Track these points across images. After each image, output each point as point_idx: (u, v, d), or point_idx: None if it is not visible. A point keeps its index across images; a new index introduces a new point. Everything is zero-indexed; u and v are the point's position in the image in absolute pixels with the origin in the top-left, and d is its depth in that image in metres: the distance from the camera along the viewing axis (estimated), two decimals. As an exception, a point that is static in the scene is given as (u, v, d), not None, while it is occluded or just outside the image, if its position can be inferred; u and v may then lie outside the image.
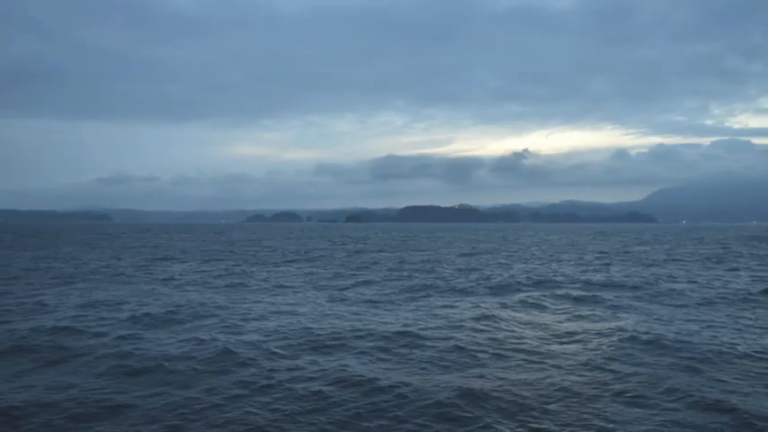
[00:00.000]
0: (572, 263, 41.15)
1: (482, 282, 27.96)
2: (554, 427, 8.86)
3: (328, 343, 14.29)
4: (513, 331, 15.95)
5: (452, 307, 20.26)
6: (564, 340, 14.88)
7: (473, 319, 17.63)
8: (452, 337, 14.81)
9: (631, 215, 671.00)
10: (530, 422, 9.10)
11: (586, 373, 11.67)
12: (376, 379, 11.06)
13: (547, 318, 18.31)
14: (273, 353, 13.24)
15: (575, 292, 23.71)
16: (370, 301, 21.61)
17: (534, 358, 12.95)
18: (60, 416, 9.26)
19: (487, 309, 19.46)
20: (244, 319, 17.55)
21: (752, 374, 11.63)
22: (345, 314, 18.65)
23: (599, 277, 30.20)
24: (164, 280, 28.96)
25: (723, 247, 64.23)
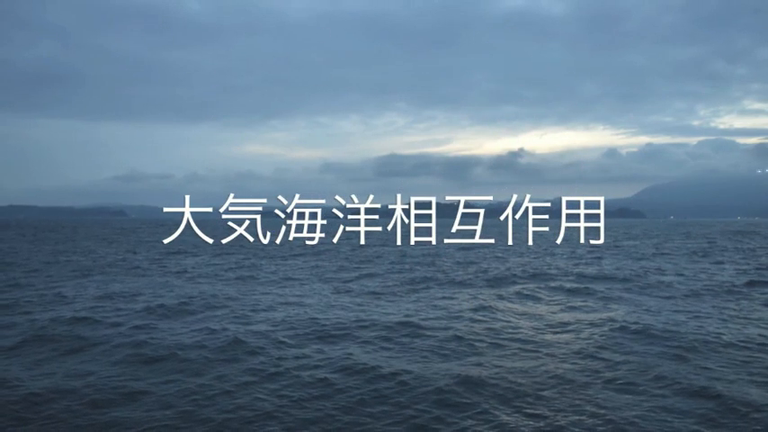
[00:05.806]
0: (565, 256, 41.45)
1: (480, 274, 28.34)
2: (548, 413, 9.24)
3: (333, 333, 14.67)
4: (509, 321, 16.40)
5: (451, 298, 20.69)
6: (557, 330, 15.32)
7: (471, 309, 18.05)
8: (451, 327, 15.23)
9: (621, 211, 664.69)
10: (525, 408, 9.48)
11: (579, 361, 12.10)
12: (379, 367, 11.44)
13: (541, 308, 18.76)
14: (281, 342, 13.63)
15: (568, 284, 24.12)
16: (374, 293, 22.01)
17: (529, 347, 13.38)
18: (79, 402, 9.61)
19: (485, 300, 19.90)
20: (253, 310, 17.91)
21: (736, 362, 12.06)
22: (350, 305, 19.06)
23: (591, 270, 30.62)
24: (177, 273, 29.20)
25: (709, 242, 64.56)
